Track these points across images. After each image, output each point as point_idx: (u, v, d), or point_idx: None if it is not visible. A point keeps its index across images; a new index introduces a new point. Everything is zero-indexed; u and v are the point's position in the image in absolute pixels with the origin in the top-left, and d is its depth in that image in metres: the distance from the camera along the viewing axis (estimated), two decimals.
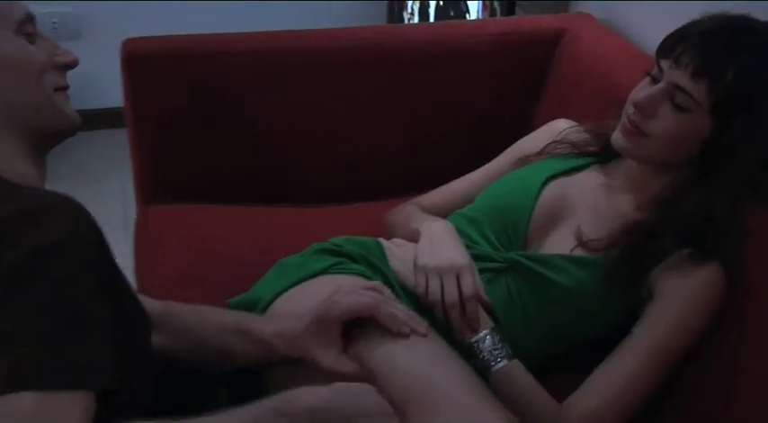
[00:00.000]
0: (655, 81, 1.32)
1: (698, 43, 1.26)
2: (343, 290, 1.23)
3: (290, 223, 1.82)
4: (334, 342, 1.19)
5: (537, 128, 1.68)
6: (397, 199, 1.71)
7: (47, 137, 1.09)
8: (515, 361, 1.29)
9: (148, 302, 1.26)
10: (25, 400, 0.83)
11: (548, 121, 1.66)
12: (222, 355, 1.24)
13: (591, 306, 1.34)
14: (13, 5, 1.06)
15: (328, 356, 1.18)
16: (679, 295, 1.29)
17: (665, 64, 1.29)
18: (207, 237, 1.77)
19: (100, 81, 3.16)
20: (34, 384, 0.84)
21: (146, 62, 1.83)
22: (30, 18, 1.08)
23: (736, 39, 1.27)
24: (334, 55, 1.91)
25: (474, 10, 2.54)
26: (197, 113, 1.87)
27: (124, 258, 2.37)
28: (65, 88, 1.11)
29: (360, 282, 1.31)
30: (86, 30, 3.24)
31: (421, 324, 1.20)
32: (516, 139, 1.66)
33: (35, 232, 0.89)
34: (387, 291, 1.26)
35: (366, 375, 1.15)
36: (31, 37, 1.07)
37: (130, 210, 2.22)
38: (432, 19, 2.78)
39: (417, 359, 1.15)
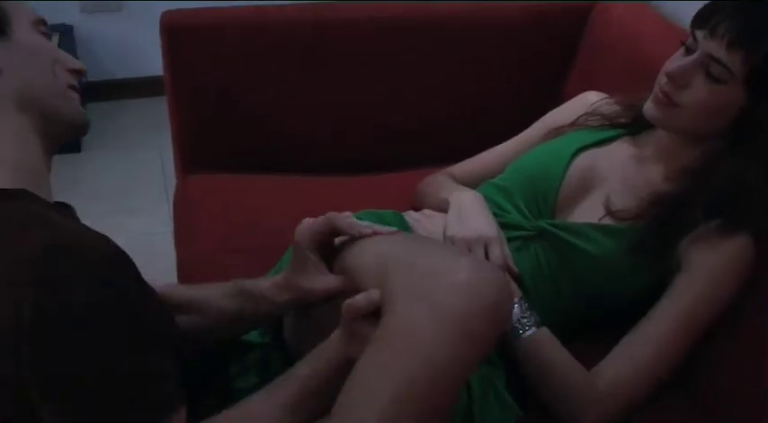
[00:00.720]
0: (689, 51, 1.30)
1: (734, 14, 1.24)
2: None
3: (327, 193, 1.83)
4: (315, 267, 1.18)
5: (567, 99, 1.67)
6: (428, 169, 1.72)
7: (58, 127, 1.08)
8: (544, 328, 1.29)
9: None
10: None
11: (578, 93, 1.64)
12: (230, 319, 1.24)
13: (618, 274, 1.34)
14: (26, 6, 1.09)
15: (315, 282, 1.17)
16: (707, 266, 1.29)
17: (699, 34, 1.28)
18: (246, 206, 1.78)
19: (140, 50, 3.19)
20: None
21: (184, 33, 1.83)
22: (43, 21, 1.12)
23: None
24: (367, 26, 1.91)
25: None
26: (235, 84, 1.87)
27: (164, 225, 2.41)
28: (77, 90, 1.12)
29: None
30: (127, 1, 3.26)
31: (384, 229, 1.17)
32: (547, 110, 1.65)
33: (81, 270, 0.89)
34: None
35: (351, 284, 1.13)
36: (44, 36, 1.11)
37: (170, 178, 2.24)
38: None
39: (381, 242, 1.13)
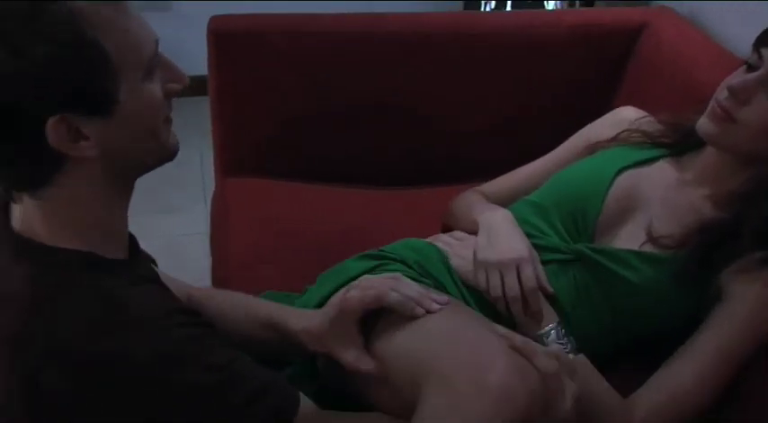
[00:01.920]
0: (752, 69, 1.23)
1: None
2: (357, 284, 1.17)
3: (365, 206, 1.79)
4: (352, 338, 1.14)
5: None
6: (469, 183, 1.66)
7: (144, 171, 1.03)
8: (581, 355, 1.23)
9: (184, 288, 1.25)
10: None
11: (619, 107, 1.57)
12: (251, 343, 1.19)
13: (657, 302, 1.28)
14: (144, 38, 0.93)
15: (348, 355, 1.13)
16: (750, 299, 1.22)
17: (765, 51, 1.21)
18: (283, 214, 1.75)
19: (186, 50, 3.17)
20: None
21: (231, 39, 1.84)
22: (156, 45, 0.97)
23: None
24: (412, 39, 1.87)
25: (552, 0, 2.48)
26: (278, 90, 1.85)
27: (200, 226, 2.39)
28: (170, 119, 1.02)
29: (379, 276, 1.24)
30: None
31: (435, 299, 1.13)
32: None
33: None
34: (401, 276, 1.20)
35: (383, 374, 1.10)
36: (152, 72, 0.95)
37: (208, 178, 2.21)
38: (509, 8, 2.71)
39: (424, 332, 1.08)
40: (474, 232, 1.39)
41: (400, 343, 1.09)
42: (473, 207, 1.48)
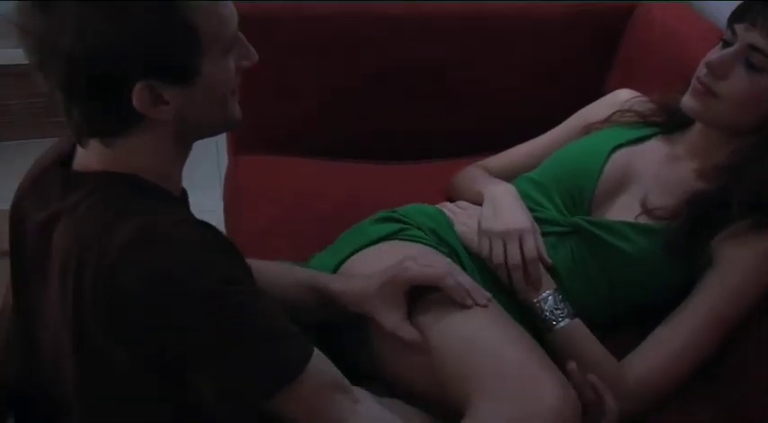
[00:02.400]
0: (727, 45, 1.25)
1: None
2: (414, 255, 1.19)
3: (371, 179, 1.79)
4: (399, 306, 1.16)
5: (609, 90, 1.60)
6: (468, 158, 1.67)
7: (206, 136, 1.06)
8: (577, 320, 1.25)
9: None
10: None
11: (616, 90, 1.58)
12: (299, 309, 1.20)
13: (652, 272, 1.29)
14: (228, 16, 0.95)
15: (392, 319, 1.15)
16: (739, 263, 1.24)
17: (739, 27, 1.23)
18: (295, 188, 1.75)
19: None
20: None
21: (245, 22, 1.79)
22: (237, 23, 0.99)
23: None
24: (423, 21, 1.86)
25: None
26: (289, 69, 1.85)
27: (215, 203, 2.40)
28: (236, 92, 1.04)
29: (430, 251, 1.28)
30: None
31: (483, 296, 1.15)
32: (586, 105, 1.59)
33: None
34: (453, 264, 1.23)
35: (423, 346, 1.12)
36: (231, 49, 0.98)
37: (223, 156, 2.22)
38: None
39: (473, 331, 1.10)
40: (477, 203, 1.41)
41: (449, 330, 1.11)
42: (477, 180, 1.50)
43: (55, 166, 1.04)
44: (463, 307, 1.12)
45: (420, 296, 1.17)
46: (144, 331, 0.92)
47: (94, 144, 0.97)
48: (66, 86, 0.91)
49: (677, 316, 1.24)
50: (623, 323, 1.34)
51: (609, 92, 1.69)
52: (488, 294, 1.17)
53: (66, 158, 1.03)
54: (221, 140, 2.19)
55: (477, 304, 1.13)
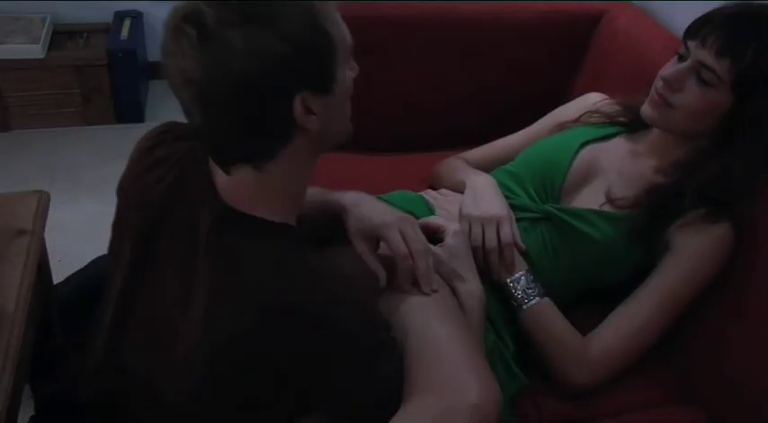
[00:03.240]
0: (682, 59, 1.29)
1: (722, 25, 1.24)
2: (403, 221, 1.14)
3: (354, 169, 1.79)
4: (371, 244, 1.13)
5: (575, 96, 1.63)
6: (447, 151, 1.68)
7: (332, 149, 1.05)
8: (547, 299, 1.28)
9: None
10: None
11: (585, 91, 1.62)
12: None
13: (615, 255, 1.32)
14: (347, 30, 0.95)
15: (361, 246, 1.11)
16: (692, 249, 1.27)
17: (691, 44, 1.27)
18: None
19: None
20: None
21: None
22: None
23: (757, 23, 1.25)
24: (408, 22, 1.87)
25: None
26: None
27: None
28: None
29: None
30: None
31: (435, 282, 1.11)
32: (557, 104, 1.63)
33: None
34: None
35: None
36: (349, 59, 0.98)
37: None
38: None
39: (411, 329, 1.04)
40: (458, 191, 1.44)
41: (400, 307, 1.07)
42: (459, 170, 1.52)
43: (199, 178, 1.00)
44: (407, 304, 1.07)
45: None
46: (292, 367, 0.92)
47: (243, 171, 0.95)
48: (235, 110, 0.89)
49: (636, 296, 1.27)
50: (587, 302, 1.37)
51: (577, 93, 1.72)
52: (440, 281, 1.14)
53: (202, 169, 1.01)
54: None
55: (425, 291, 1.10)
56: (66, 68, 2.78)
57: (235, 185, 0.96)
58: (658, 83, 1.30)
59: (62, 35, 2.90)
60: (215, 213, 0.97)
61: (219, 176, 0.98)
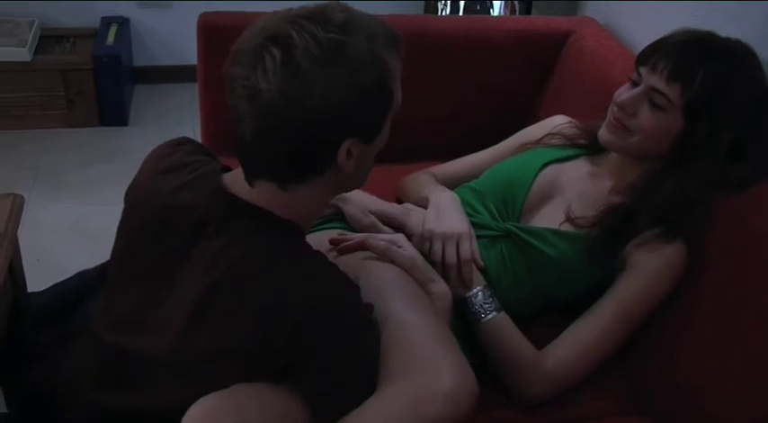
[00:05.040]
0: (635, 85, 1.29)
1: (672, 53, 1.24)
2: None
3: None
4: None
5: (542, 114, 1.63)
6: (413, 164, 1.66)
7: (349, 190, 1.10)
8: (503, 314, 1.26)
9: None
10: None
11: (551, 109, 1.62)
12: None
13: (572, 273, 1.31)
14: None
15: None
16: (646, 268, 1.26)
17: (643, 70, 1.27)
18: None
19: (183, 42, 3.12)
20: None
21: (217, 32, 1.78)
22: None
23: (705, 50, 1.25)
24: None
25: (497, 7, 2.47)
26: None
27: None
28: None
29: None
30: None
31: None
32: (524, 122, 1.61)
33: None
34: None
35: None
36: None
37: None
38: (461, 10, 2.68)
39: (388, 314, 1.03)
40: (422, 206, 1.41)
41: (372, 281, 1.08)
42: (424, 186, 1.50)
43: (210, 184, 1.00)
44: (384, 289, 1.07)
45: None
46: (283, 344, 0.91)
47: (266, 185, 0.95)
48: (290, 139, 0.90)
49: (591, 313, 1.26)
50: (545, 317, 1.35)
51: (543, 109, 1.70)
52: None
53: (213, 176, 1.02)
54: (197, 139, 2.16)
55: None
56: (52, 72, 2.74)
57: (253, 194, 0.96)
58: (614, 108, 1.30)
59: (49, 39, 2.86)
60: (228, 205, 0.97)
61: (236, 188, 0.98)
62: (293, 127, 0.89)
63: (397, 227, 1.32)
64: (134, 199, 1.07)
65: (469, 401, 0.92)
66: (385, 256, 1.16)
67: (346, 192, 1.03)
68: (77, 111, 2.83)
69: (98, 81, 2.77)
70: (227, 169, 1.04)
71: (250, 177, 0.96)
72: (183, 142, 1.11)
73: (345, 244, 1.18)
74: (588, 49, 1.80)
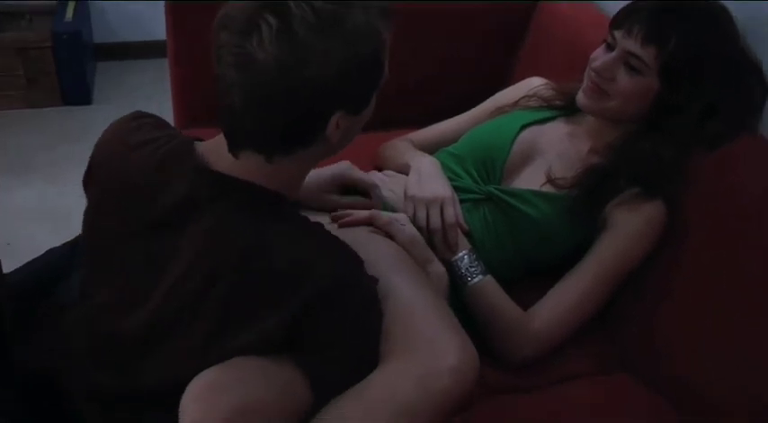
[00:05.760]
0: (610, 48, 1.29)
1: (646, 15, 1.24)
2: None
3: None
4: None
5: (515, 79, 1.62)
6: (393, 131, 1.65)
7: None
8: (489, 277, 1.27)
9: None
10: None
11: (524, 74, 1.60)
12: None
13: (554, 234, 1.32)
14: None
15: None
16: (626, 227, 1.28)
17: (618, 34, 1.27)
18: None
19: (148, 17, 3.06)
20: None
21: (184, 8, 1.75)
22: None
23: (679, 12, 1.25)
24: None
25: None
26: None
27: None
28: None
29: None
30: None
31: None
32: (497, 88, 1.61)
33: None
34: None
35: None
36: None
37: None
38: None
39: (388, 292, 1.01)
40: (403, 173, 1.41)
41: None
42: (404, 152, 1.50)
43: (184, 156, 0.97)
44: (383, 264, 1.05)
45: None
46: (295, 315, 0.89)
47: (252, 157, 0.92)
48: (281, 108, 0.87)
49: (575, 272, 1.28)
50: (529, 278, 1.36)
51: (516, 74, 1.71)
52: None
53: (187, 148, 0.98)
54: (167, 115, 2.12)
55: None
56: (9, 50, 2.66)
57: (236, 167, 0.93)
58: (591, 73, 1.30)
59: (5, 16, 2.78)
60: (208, 183, 0.94)
61: (218, 162, 0.94)
62: (287, 98, 0.86)
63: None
64: (105, 178, 1.02)
65: (473, 375, 0.92)
66: (387, 231, 1.17)
67: (326, 158, 1.01)
68: (38, 90, 2.76)
69: (58, 59, 2.71)
70: (198, 139, 1.00)
71: (235, 148, 0.92)
72: (141, 116, 1.07)
73: (348, 219, 1.18)
74: (559, 13, 1.80)
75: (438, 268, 1.18)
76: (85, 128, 2.71)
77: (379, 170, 1.49)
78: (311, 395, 0.90)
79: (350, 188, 1.29)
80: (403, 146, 1.55)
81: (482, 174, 1.39)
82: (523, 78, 1.59)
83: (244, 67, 0.86)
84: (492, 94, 1.59)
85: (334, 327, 0.90)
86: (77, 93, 2.79)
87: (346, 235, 1.00)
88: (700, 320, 1.22)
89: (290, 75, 0.85)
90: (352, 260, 0.95)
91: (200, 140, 1.00)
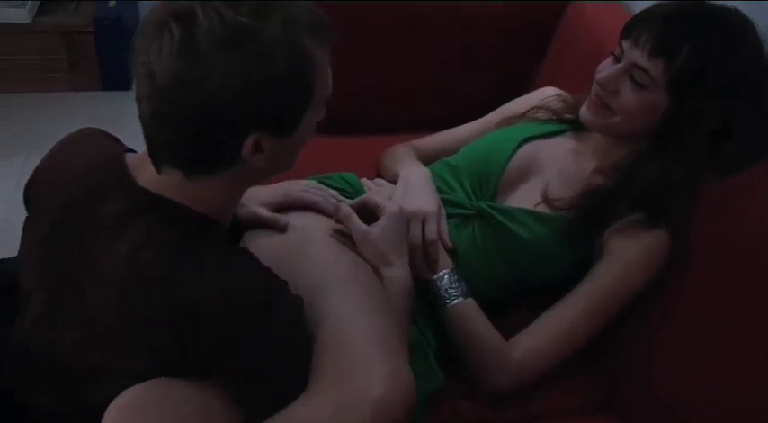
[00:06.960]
0: (617, 60, 1.21)
1: (655, 26, 1.16)
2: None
3: (308, 151, 1.69)
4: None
5: (538, 83, 1.54)
6: (410, 135, 1.58)
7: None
8: (469, 299, 1.20)
9: None
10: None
11: (548, 79, 1.53)
12: None
13: (546, 258, 1.24)
14: (329, 77, 0.91)
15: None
16: (624, 256, 1.19)
17: (625, 44, 1.19)
18: None
19: None
20: None
21: None
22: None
23: (690, 23, 1.16)
24: (370, 10, 1.76)
25: None
26: None
27: None
28: None
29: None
30: None
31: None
32: (520, 93, 1.53)
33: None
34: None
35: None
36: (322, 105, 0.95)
37: None
38: None
39: (328, 309, 0.97)
40: (395, 182, 1.35)
41: (312, 308, 0.98)
42: (400, 161, 1.44)
43: (114, 170, 0.94)
44: (329, 283, 1.01)
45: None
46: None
47: (174, 173, 0.89)
48: (187, 126, 0.83)
49: (564, 302, 1.20)
50: (515, 304, 1.29)
51: (541, 78, 1.62)
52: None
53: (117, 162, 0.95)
54: None
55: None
56: (53, 34, 2.70)
57: (160, 184, 0.90)
58: (595, 85, 1.22)
59: (52, 1, 2.82)
60: (132, 198, 0.90)
61: (143, 177, 0.91)
62: (186, 114, 0.82)
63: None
64: (43, 193, 1.01)
65: (401, 410, 0.87)
66: (345, 225, 1.12)
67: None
68: (80, 74, 2.79)
69: (99, 44, 2.73)
70: (131, 151, 0.98)
71: (155, 162, 0.89)
72: (86, 134, 1.06)
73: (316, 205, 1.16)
74: (587, 17, 1.69)
75: (392, 272, 1.10)
76: (122, 113, 2.73)
77: (382, 178, 1.43)
78: (239, 417, 0.88)
79: None
80: (402, 153, 1.48)
81: (476, 188, 1.32)
82: (547, 84, 1.51)
83: (147, 78, 0.82)
84: (513, 98, 1.51)
85: (247, 350, 0.86)
86: (117, 78, 2.81)
87: (295, 248, 0.97)
88: (700, 359, 1.10)
89: (186, 90, 0.80)
90: (264, 281, 0.90)
91: (134, 152, 0.97)
